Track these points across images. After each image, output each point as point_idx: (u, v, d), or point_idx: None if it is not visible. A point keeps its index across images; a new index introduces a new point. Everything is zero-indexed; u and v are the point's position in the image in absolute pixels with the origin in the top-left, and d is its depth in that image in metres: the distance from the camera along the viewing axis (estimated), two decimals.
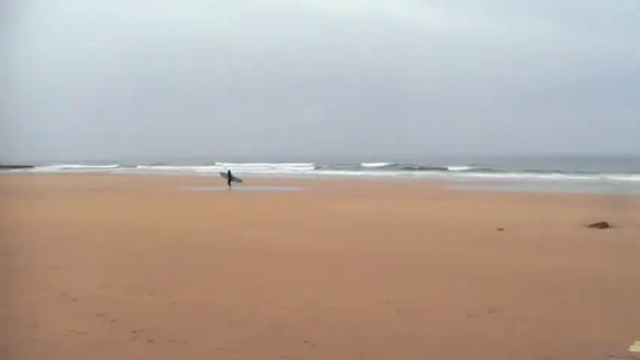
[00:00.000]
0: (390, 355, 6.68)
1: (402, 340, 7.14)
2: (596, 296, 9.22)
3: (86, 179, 57.33)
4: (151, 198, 32.22)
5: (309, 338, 7.14)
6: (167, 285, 9.98)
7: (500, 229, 16.96)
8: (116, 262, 12.23)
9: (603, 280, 10.38)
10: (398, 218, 20.72)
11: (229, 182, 42.99)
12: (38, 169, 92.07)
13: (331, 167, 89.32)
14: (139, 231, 16.95)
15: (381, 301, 8.89)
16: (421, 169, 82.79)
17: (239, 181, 44.15)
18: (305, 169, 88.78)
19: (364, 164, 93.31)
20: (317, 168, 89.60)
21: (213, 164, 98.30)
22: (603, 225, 17.85)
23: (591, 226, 17.87)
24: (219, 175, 48.83)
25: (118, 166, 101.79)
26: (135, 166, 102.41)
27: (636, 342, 6.82)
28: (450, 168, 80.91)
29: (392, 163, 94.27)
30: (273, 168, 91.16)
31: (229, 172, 45.27)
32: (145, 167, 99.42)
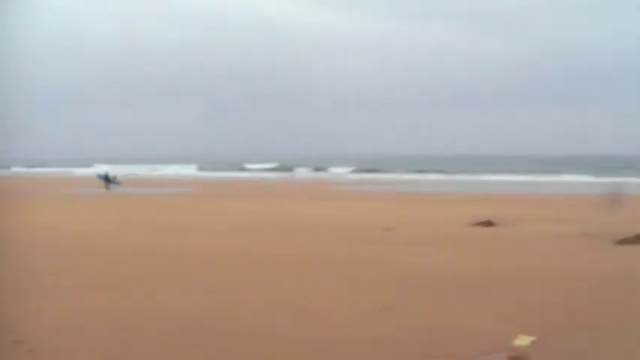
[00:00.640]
0: (282, 356, 6.65)
1: (293, 341, 7.12)
2: (480, 292, 9.59)
3: None
4: (26, 201, 30.38)
5: (200, 342, 6.99)
6: (46, 290, 9.42)
7: (389, 229, 17.33)
8: None
9: (487, 276, 10.82)
10: (288, 219, 20.78)
11: (107, 184, 41.58)
12: None
13: (215, 169, 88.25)
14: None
15: (274, 302, 8.87)
16: (308, 169, 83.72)
17: (117, 183, 42.87)
18: (188, 170, 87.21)
19: (248, 165, 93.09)
20: (200, 169, 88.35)
21: (92, 166, 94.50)
22: (488, 223, 18.70)
23: (476, 224, 18.67)
24: (96, 177, 47.10)
25: None
26: (9, 167, 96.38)
27: (520, 336, 7.13)
28: (335, 169, 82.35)
29: (276, 164, 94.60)
30: (154, 170, 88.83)
31: (107, 173, 43.82)
32: (21, 169, 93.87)
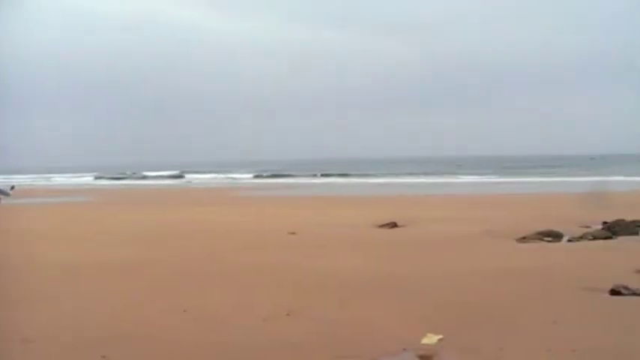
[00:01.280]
0: None
1: (199, 349, 6.98)
2: (387, 293, 9.65)
3: None
4: None
5: (107, 353, 6.75)
6: None
7: (293, 233, 17.26)
8: None
9: (393, 277, 10.91)
10: (191, 225, 20.35)
11: None
12: None
13: (114, 177, 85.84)
14: None
15: (179, 310, 8.65)
16: (209, 175, 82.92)
17: (6, 194, 40.56)
18: (85, 179, 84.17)
19: (147, 173, 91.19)
20: (97, 178, 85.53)
21: None
22: (393, 225, 18.96)
23: (381, 226, 18.89)
24: None
25: None
26: None
27: (428, 334, 7.21)
28: (238, 174, 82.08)
29: (177, 171, 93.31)
30: (48, 179, 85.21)
31: None
32: None
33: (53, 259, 13.27)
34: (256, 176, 79.93)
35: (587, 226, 17.34)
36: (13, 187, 42.09)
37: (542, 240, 15.44)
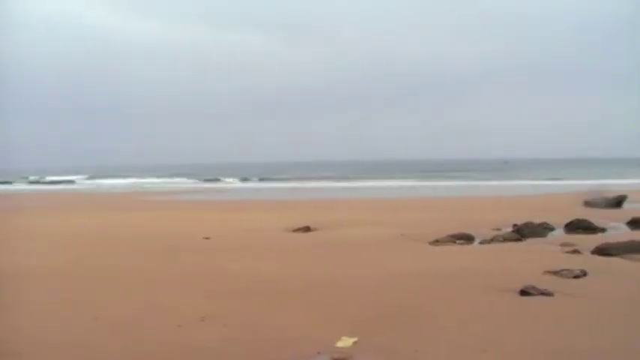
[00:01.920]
0: None
1: (111, 354, 6.87)
2: (301, 298, 9.65)
3: None
4: None
5: None
6: None
7: (208, 237, 17.05)
8: None
9: (307, 281, 10.92)
10: (101, 231, 19.75)
11: None
12: None
13: (19, 181, 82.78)
14: None
15: (90, 317, 8.44)
16: (124, 179, 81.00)
17: None
18: None
19: (51, 178, 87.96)
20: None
21: None
22: (306, 229, 19.04)
23: (295, 230, 18.93)
24: None
25: None
26: None
27: (343, 337, 7.28)
28: (152, 179, 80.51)
29: (86, 175, 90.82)
30: None
31: None
32: None
33: None
34: (172, 177, 78.61)
35: (498, 229, 17.92)
36: None
37: (455, 242, 15.88)
